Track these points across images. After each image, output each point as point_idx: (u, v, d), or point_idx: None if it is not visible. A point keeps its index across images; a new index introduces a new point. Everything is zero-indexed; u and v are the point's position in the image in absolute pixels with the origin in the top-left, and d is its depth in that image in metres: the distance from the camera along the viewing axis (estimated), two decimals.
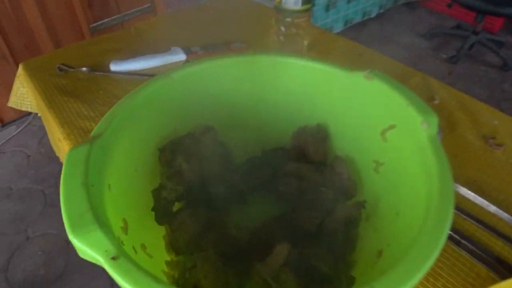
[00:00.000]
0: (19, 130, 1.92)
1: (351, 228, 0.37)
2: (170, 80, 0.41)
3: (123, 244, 0.27)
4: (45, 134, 1.89)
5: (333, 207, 0.38)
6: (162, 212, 0.38)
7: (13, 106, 0.85)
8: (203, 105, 0.45)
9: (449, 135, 0.60)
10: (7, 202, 1.54)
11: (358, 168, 0.42)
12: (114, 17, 2.14)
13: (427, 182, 0.30)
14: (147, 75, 0.71)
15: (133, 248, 0.29)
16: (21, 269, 1.30)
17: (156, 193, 0.39)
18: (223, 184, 0.42)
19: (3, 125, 1.92)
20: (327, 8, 2.34)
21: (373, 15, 2.80)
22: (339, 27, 2.56)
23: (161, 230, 0.39)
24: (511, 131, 0.61)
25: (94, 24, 2.07)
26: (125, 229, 0.30)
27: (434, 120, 0.33)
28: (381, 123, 0.38)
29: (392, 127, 0.37)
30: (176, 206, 0.42)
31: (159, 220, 0.38)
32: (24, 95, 0.81)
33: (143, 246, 0.32)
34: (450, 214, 0.26)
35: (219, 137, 0.45)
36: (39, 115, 0.76)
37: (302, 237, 0.37)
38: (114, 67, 0.73)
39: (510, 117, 0.64)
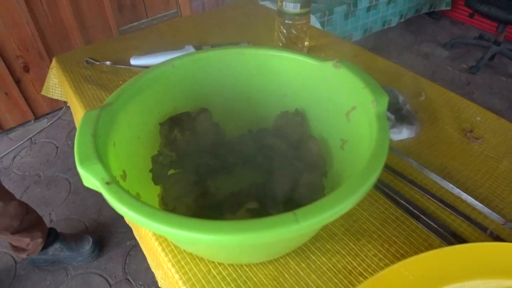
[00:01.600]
0: (50, 123, 2.06)
1: (315, 195, 0.43)
2: (170, 67, 0.48)
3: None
4: (73, 128, 2.02)
5: (301, 177, 0.44)
6: (158, 174, 0.46)
7: (45, 94, 0.95)
8: (200, 90, 0.52)
9: (430, 127, 0.65)
10: (35, 187, 1.67)
11: (329, 146, 0.48)
12: (142, 21, 2.27)
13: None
14: None
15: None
16: None
17: (154, 158, 0.47)
18: (213, 156, 0.50)
19: (36, 118, 2.07)
20: (346, 16, 2.38)
21: (393, 24, 2.82)
22: (358, 35, 2.60)
23: (156, 190, 0.47)
24: (491, 127, 0.66)
25: (124, 27, 2.20)
26: (123, 177, 0.38)
27: (384, 99, 0.39)
28: (346, 106, 0.44)
29: (353, 108, 0.43)
30: (171, 172, 0.49)
31: (155, 180, 0.45)
32: (55, 84, 0.91)
33: (138, 195, 0.40)
34: (373, 177, 0.31)
35: (212, 118, 0.53)
36: (67, 108, 0.85)
37: (272, 200, 0.44)
38: (133, 61, 0.82)
39: (492, 114, 0.69)
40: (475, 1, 2.47)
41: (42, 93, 0.97)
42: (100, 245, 1.39)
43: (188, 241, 0.34)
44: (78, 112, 0.75)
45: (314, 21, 2.02)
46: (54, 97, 0.94)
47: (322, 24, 2.17)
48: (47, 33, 1.91)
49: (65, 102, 2.11)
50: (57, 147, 1.91)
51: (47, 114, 2.12)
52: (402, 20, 2.89)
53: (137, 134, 0.45)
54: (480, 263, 0.40)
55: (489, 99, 2.34)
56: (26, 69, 1.93)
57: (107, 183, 0.30)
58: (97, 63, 0.83)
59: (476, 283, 0.39)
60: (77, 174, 1.72)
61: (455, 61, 2.74)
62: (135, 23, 2.25)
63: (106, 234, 1.46)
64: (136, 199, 0.28)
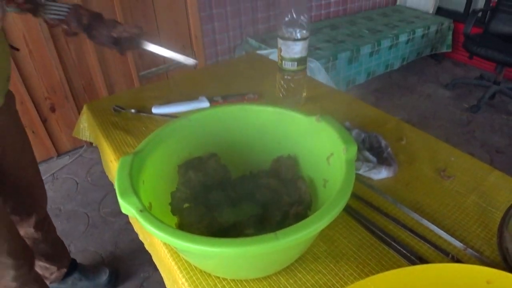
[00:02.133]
0: (71, 160, 2.21)
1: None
2: (187, 121, 0.61)
3: None
4: (93, 165, 2.16)
5: (290, 210, 0.55)
6: (175, 207, 0.57)
7: (75, 135, 1.08)
8: (210, 138, 0.64)
9: (408, 167, 0.75)
10: (56, 220, 1.79)
11: (314, 185, 0.59)
12: (160, 67, 2.47)
13: None
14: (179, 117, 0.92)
15: None
16: None
17: (173, 194, 0.58)
18: (220, 192, 0.61)
19: (59, 155, 2.23)
20: (350, 61, 2.54)
21: (395, 67, 2.97)
22: (361, 78, 2.74)
23: (174, 220, 0.58)
24: (463, 166, 0.76)
25: (143, 72, 2.39)
26: (150, 207, 0.49)
27: (353, 148, 0.50)
28: (326, 152, 0.56)
29: (332, 154, 0.55)
30: (186, 205, 0.60)
31: (173, 211, 0.57)
32: (85, 128, 1.05)
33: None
34: (337, 208, 0.42)
35: (220, 161, 0.64)
36: (88, 147, 0.96)
37: (267, 228, 0.54)
38: (155, 110, 0.95)
39: (465, 154, 0.79)
40: (472, 44, 2.62)
41: (73, 135, 1.10)
42: (116, 276, 1.48)
43: (200, 253, 0.44)
44: (106, 153, 0.88)
45: (319, 68, 2.16)
46: (83, 139, 1.07)
47: (326, 69, 2.32)
48: (73, 77, 2.10)
49: (86, 141, 2.27)
50: (77, 183, 2.04)
51: (69, 151, 2.27)
52: (405, 63, 3.04)
53: (160, 174, 0.57)
54: (439, 281, 0.49)
55: (490, 136, 2.42)
56: (52, 109, 2.10)
57: (141, 211, 0.41)
58: (123, 110, 0.97)
59: None
60: (95, 209, 1.84)
61: (457, 100, 2.85)
62: (153, 69, 2.44)
63: (121, 266, 1.55)
64: (162, 223, 0.40)
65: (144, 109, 0.97)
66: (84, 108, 1.04)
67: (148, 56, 2.39)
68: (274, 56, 1.94)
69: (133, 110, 0.96)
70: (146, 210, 0.41)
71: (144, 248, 0.75)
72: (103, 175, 2.07)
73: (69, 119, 2.18)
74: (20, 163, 0.99)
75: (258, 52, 1.78)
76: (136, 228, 0.80)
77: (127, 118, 0.94)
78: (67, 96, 2.10)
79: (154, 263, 0.70)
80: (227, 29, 2.60)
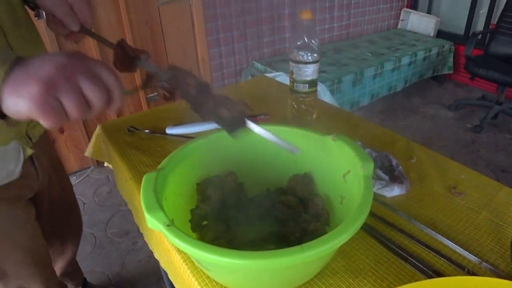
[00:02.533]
0: (78, 180, 2.23)
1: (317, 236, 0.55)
2: (207, 140, 0.63)
3: None
4: (100, 185, 2.18)
5: (308, 226, 0.56)
6: (195, 223, 0.58)
7: (88, 155, 1.10)
8: (228, 157, 0.66)
9: (419, 185, 0.77)
10: None
11: (331, 201, 0.61)
12: None
13: None
14: (192, 137, 0.94)
15: None
16: None
17: (193, 211, 0.59)
18: (239, 209, 0.62)
19: None
20: (354, 84, 2.59)
21: (398, 89, 3.02)
22: (366, 100, 2.78)
23: (194, 236, 0.59)
24: (473, 183, 0.77)
25: (151, 95, 2.44)
26: (172, 223, 0.50)
27: (370, 165, 0.52)
28: (343, 170, 0.57)
29: (348, 172, 0.56)
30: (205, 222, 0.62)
31: (193, 228, 0.58)
32: (99, 147, 1.07)
33: None
34: (358, 223, 0.44)
35: (238, 179, 0.66)
36: (95, 167, 0.98)
37: (286, 244, 0.55)
38: (169, 130, 0.98)
39: (474, 171, 0.80)
40: (473, 66, 2.67)
41: (86, 154, 1.12)
42: None
43: (227, 266, 0.45)
44: (121, 172, 0.89)
45: (324, 90, 2.21)
46: (97, 159, 1.09)
47: (331, 92, 2.37)
48: None
49: (93, 161, 2.29)
50: (84, 203, 2.05)
51: (76, 171, 2.29)
52: (407, 85, 3.09)
53: (180, 191, 0.59)
54: None
55: (495, 156, 2.43)
56: (61, 130, 2.14)
57: (168, 225, 0.42)
58: (137, 131, 0.99)
59: None
60: (102, 229, 1.85)
61: (460, 121, 2.88)
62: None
63: (128, 287, 1.54)
64: (190, 237, 0.41)
65: (158, 130, 0.99)
66: (98, 129, 1.06)
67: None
68: (280, 79, 1.98)
69: (147, 131, 0.99)
70: (173, 225, 0.43)
71: (151, 270, 0.76)
72: (110, 196, 2.09)
73: (77, 140, 2.21)
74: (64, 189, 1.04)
75: (265, 75, 1.82)
76: (152, 246, 0.81)
77: (141, 138, 0.97)
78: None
79: (161, 284, 0.70)
80: (234, 53, 2.67)
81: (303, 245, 0.39)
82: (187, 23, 2.41)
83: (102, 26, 2.03)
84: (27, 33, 0.71)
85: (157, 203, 0.46)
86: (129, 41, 2.18)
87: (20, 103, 0.38)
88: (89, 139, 1.35)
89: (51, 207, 0.99)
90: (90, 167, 2.32)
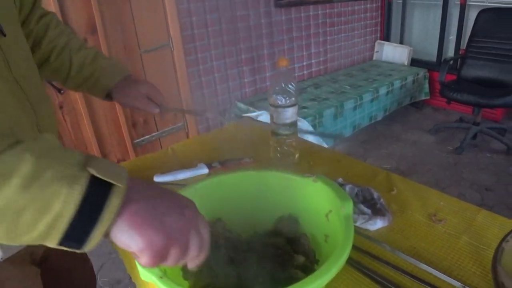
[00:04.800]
0: None
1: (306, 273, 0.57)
2: (193, 189, 0.66)
3: None
4: None
5: (297, 265, 0.59)
6: (187, 271, 0.60)
7: None
8: (215, 204, 0.69)
9: (401, 216, 0.80)
10: None
11: (317, 240, 0.64)
12: (153, 134, 2.56)
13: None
14: (180, 184, 0.97)
15: None
16: None
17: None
18: (229, 253, 0.64)
19: None
20: (335, 117, 2.67)
21: (379, 118, 3.11)
22: (348, 131, 2.86)
23: (186, 284, 0.61)
24: (453, 209, 0.81)
25: (137, 140, 2.47)
26: (165, 274, 0.52)
27: (349, 204, 0.55)
28: (325, 209, 0.61)
29: (330, 211, 0.60)
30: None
31: (185, 276, 0.60)
32: None
33: None
34: (341, 260, 0.46)
35: (226, 225, 0.69)
36: None
37: (276, 283, 0.57)
38: (157, 178, 1.00)
39: (453, 198, 0.84)
40: (448, 91, 2.79)
41: None
42: None
43: None
44: None
45: (307, 126, 2.27)
46: None
47: (314, 126, 2.44)
48: (68, 146, 2.16)
49: None
50: None
51: None
52: (387, 113, 3.19)
53: None
54: None
55: (478, 175, 2.49)
56: None
57: (161, 277, 0.45)
58: None
59: None
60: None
61: (441, 144, 2.97)
62: (146, 136, 2.53)
63: None
64: (181, 286, 0.43)
65: (145, 178, 1.01)
66: None
67: (141, 125, 2.49)
68: (262, 118, 2.04)
69: None
70: (166, 276, 0.45)
71: None
72: (100, 244, 2.06)
73: None
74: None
75: (247, 115, 1.88)
76: None
77: None
78: None
79: None
80: (216, 95, 2.75)
81: (293, 286, 0.42)
82: (169, 69, 2.49)
83: None
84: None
85: None
86: None
87: (138, 243, 0.40)
88: None
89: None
90: None
